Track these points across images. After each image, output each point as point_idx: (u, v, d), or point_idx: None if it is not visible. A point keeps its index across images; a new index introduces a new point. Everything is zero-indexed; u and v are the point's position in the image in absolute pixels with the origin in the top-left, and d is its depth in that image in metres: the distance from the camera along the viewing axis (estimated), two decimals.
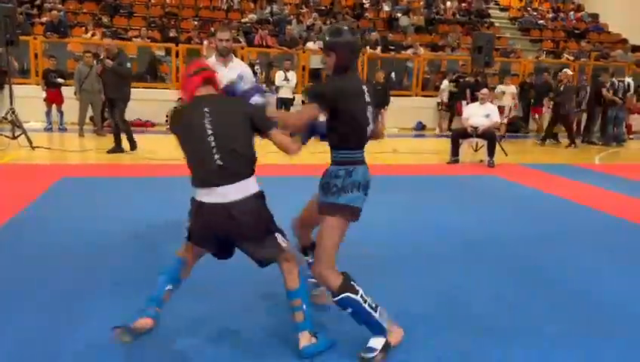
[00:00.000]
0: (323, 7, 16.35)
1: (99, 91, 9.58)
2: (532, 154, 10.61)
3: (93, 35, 12.18)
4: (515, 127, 13.05)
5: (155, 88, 12.15)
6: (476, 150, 9.33)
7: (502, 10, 19.63)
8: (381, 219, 5.02)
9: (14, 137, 8.08)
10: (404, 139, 11.42)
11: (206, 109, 2.51)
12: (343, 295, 2.55)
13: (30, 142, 7.94)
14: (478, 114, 8.47)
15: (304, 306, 2.60)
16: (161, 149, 8.00)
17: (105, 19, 13.93)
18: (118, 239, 4.10)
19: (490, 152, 8.24)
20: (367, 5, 17.32)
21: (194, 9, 15.51)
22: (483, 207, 5.75)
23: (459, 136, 8.61)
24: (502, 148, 9.04)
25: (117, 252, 3.86)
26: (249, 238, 2.55)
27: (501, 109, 10.11)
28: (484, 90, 8.73)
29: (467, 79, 11.61)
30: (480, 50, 9.70)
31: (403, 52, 13.95)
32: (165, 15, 14.81)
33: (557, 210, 5.74)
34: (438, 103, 12.73)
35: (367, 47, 13.47)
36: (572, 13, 19.33)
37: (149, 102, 11.16)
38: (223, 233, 2.54)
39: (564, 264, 4.04)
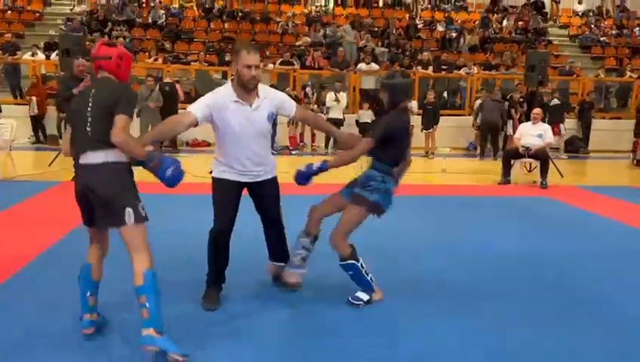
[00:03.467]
0: (376, 29, 16.50)
1: (158, 112, 10.09)
2: (590, 176, 10.21)
3: (155, 60, 12.84)
4: (575, 147, 12.61)
5: None
6: (530, 170, 9.08)
7: (561, 27, 19.12)
8: (427, 239, 5.03)
9: None
10: (455, 159, 11.26)
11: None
12: (349, 261, 3.36)
13: None
14: (531, 133, 8.26)
15: (147, 304, 2.63)
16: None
17: (167, 45, 14.66)
18: (166, 253, 4.29)
19: (543, 173, 8.00)
20: (420, 26, 17.34)
21: (250, 33, 16.05)
22: (531, 228, 5.59)
23: (511, 156, 8.43)
24: (557, 170, 8.77)
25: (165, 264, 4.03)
26: None
27: None
28: (537, 110, 8.51)
29: (514, 98, 11.39)
30: (533, 68, 9.49)
31: (456, 71, 13.84)
32: (223, 40, 15.40)
33: (610, 234, 5.51)
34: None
35: (419, 68, 13.47)
36: (637, 29, 18.53)
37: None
38: None
39: (610, 288, 3.88)
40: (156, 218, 4.32)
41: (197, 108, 3.18)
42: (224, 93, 3.23)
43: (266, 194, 3.47)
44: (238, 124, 3.19)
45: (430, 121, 11.43)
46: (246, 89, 3.18)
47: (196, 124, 3.19)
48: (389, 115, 3.42)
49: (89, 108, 2.68)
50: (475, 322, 3.27)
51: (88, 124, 2.67)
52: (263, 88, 3.34)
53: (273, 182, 3.49)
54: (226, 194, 3.32)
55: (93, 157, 2.66)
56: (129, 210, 2.66)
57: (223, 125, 3.22)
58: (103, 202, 2.66)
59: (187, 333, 3.00)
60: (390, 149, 3.33)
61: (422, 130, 11.50)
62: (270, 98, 3.32)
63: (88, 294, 2.87)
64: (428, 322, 3.25)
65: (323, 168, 3.35)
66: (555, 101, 11.76)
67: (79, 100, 2.79)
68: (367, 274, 3.41)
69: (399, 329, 3.16)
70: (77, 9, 16.43)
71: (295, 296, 3.57)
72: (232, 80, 3.27)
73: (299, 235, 3.54)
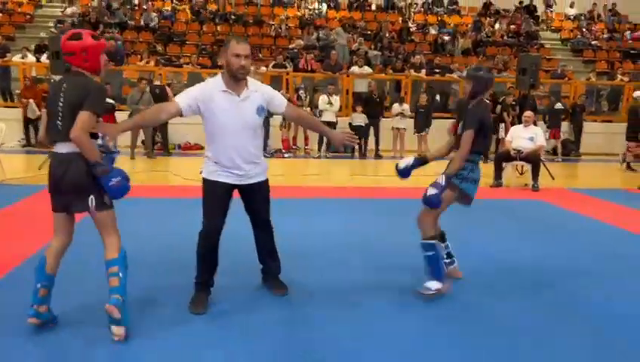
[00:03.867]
0: (369, 32, 16.53)
1: None
2: (582, 179, 10.25)
3: (147, 63, 12.79)
4: (567, 150, 12.66)
5: None
6: (521, 173, 9.10)
7: (553, 31, 19.22)
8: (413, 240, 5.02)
9: None
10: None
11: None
12: (432, 241, 3.54)
13: None
14: (522, 136, 8.28)
15: (120, 274, 2.86)
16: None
17: (159, 48, 14.61)
18: (158, 255, 4.25)
19: (535, 176, 8.02)
20: (413, 29, 17.38)
21: (243, 36, 16.02)
22: (522, 231, 5.60)
23: (502, 159, 8.44)
24: (549, 172, 8.79)
25: (157, 267, 4.00)
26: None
27: None
28: (528, 113, 8.54)
29: (507, 101, 11.39)
30: (524, 72, 9.52)
31: (448, 75, 13.88)
32: (216, 42, 15.36)
33: (602, 237, 5.51)
34: None
35: (411, 71, 13.50)
36: (629, 33, 18.67)
37: (197, 126, 11.60)
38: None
39: (602, 296, 3.88)
40: (149, 220, 4.28)
41: (183, 99, 3.19)
42: (213, 84, 3.25)
43: (256, 196, 3.44)
44: (225, 114, 3.17)
45: (423, 124, 11.45)
46: (235, 79, 3.17)
47: (181, 115, 3.18)
48: (475, 106, 3.59)
49: (60, 104, 2.80)
50: (471, 327, 3.25)
51: (59, 119, 2.80)
52: (254, 82, 3.32)
53: (264, 185, 3.47)
54: (215, 195, 3.28)
55: (63, 148, 2.82)
56: (92, 198, 2.84)
57: (211, 115, 3.19)
58: (70, 189, 2.83)
59: (180, 337, 2.97)
60: (478, 139, 3.51)
61: (414, 133, 11.54)
62: (261, 92, 3.31)
63: (39, 286, 2.93)
64: (422, 325, 3.23)
65: (449, 179, 3.54)
66: (559, 105, 11.81)
67: (52, 94, 2.86)
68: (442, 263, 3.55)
69: (392, 331, 3.13)
70: (68, 11, 16.33)
71: (286, 299, 3.55)
72: (222, 73, 3.26)
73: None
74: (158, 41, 15.00)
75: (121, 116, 10.73)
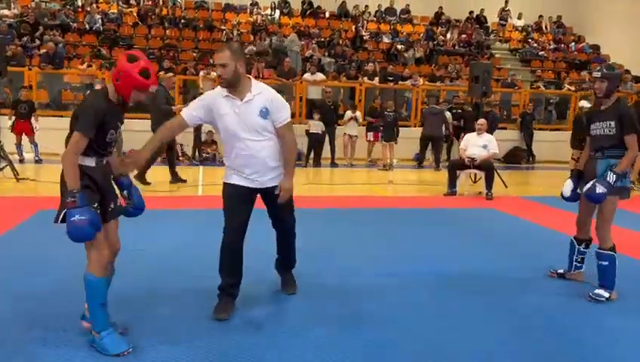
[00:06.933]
0: (322, 39, 16.38)
1: None
2: (533, 186, 10.33)
3: (88, 67, 12.16)
4: (516, 158, 12.82)
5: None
6: (475, 181, 9.06)
7: (502, 41, 19.61)
8: (369, 250, 4.78)
9: None
10: (402, 170, 11.19)
11: None
12: (611, 252, 3.72)
13: (15, 174, 7.76)
14: (476, 144, 8.23)
15: (87, 303, 2.77)
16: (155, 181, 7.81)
17: (104, 51, 13.97)
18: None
19: (488, 184, 7.96)
20: (366, 37, 17.35)
21: (193, 41, 15.57)
22: (475, 240, 5.44)
23: (456, 167, 8.36)
24: (502, 180, 8.77)
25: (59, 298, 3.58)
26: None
27: None
28: (482, 121, 8.50)
29: (467, 110, 11.39)
30: (477, 79, 9.52)
31: (401, 83, 13.85)
32: (164, 47, 14.85)
33: (553, 245, 5.41)
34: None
35: (365, 78, 13.39)
36: (573, 44, 19.28)
37: (140, 133, 11.08)
38: None
39: (555, 307, 3.73)
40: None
41: (187, 111, 3.26)
42: (216, 91, 3.28)
43: (273, 199, 3.39)
44: (227, 118, 3.20)
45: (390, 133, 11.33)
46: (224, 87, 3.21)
47: (187, 125, 3.29)
48: (623, 106, 3.74)
49: None
50: (411, 345, 3.01)
51: None
52: (258, 85, 3.28)
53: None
54: (232, 197, 3.31)
55: None
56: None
57: (218, 120, 3.23)
58: None
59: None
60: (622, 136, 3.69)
61: (382, 142, 11.41)
62: (264, 95, 3.24)
63: None
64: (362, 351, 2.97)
65: (620, 176, 3.63)
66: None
67: None
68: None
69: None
70: (5, 12, 15.42)
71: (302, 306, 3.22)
72: None
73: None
74: (102, 45, 14.35)
75: (50, 121, 10.09)
